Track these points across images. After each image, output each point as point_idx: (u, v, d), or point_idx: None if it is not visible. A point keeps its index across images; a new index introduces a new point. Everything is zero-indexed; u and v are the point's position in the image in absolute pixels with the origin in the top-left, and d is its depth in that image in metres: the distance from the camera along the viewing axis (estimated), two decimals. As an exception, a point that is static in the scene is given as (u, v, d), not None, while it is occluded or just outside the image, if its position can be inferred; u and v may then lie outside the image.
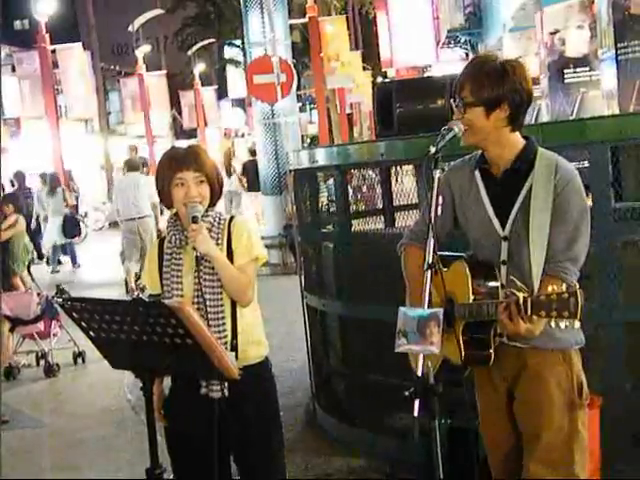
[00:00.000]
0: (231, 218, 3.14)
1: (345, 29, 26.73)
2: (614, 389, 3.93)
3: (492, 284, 2.77)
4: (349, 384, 5.20)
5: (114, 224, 16.63)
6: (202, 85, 39.18)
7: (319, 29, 24.29)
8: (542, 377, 2.82)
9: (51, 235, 15.34)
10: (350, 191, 5.51)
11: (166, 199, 3.10)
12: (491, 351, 2.76)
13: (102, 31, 34.67)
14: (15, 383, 7.59)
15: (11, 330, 7.78)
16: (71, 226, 15.37)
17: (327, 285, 5.33)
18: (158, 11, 35.77)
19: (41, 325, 7.84)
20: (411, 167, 5.53)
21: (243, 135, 46.11)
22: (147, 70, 32.78)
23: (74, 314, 2.59)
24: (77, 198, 19.35)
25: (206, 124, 39.17)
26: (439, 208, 2.67)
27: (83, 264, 16.08)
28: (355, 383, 5.09)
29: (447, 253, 2.89)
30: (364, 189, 6.72)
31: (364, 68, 32.25)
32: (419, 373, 2.53)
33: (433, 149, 2.70)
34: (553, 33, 13.11)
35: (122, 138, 37.03)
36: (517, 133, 2.86)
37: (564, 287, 2.47)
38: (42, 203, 15.81)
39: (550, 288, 2.49)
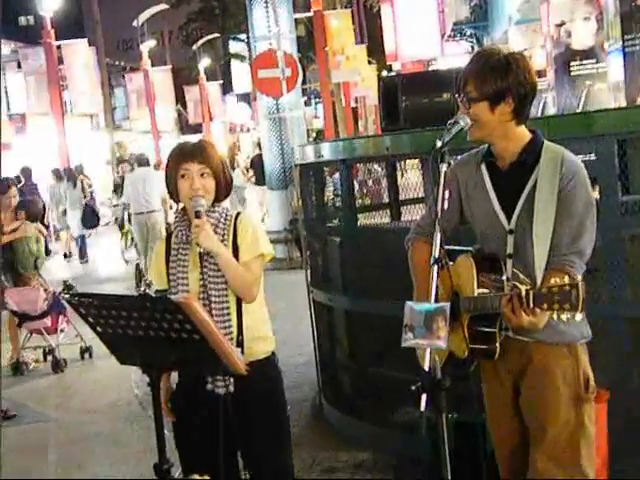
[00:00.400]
0: (237, 214, 3.13)
1: (350, 23, 26.66)
2: (621, 383, 3.92)
3: (498, 277, 2.76)
4: (355, 378, 5.20)
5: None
6: (207, 80, 39.22)
7: (324, 23, 24.23)
8: (548, 371, 2.82)
9: (72, 228, 15.56)
10: (356, 185, 5.50)
11: (174, 192, 3.11)
12: (497, 345, 2.76)
13: (107, 26, 34.66)
14: (22, 378, 7.61)
15: (18, 326, 7.81)
16: (90, 217, 15.58)
17: (333, 280, 5.32)
18: (163, 6, 35.78)
19: (48, 321, 7.86)
20: (417, 161, 5.52)
21: (248, 130, 46.16)
22: (152, 65, 32.83)
23: (81, 310, 2.60)
24: (91, 191, 19.46)
25: (211, 119, 39.20)
26: (446, 202, 2.66)
27: (91, 259, 16.14)
28: (361, 377, 5.09)
29: (454, 247, 2.89)
30: (370, 183, 6.72)
31: (369, 62, 32.19)
32: (426, 368, 2.52)
33: (439, 143, 2.69)
34: (559, 25, 13.07)
35: (128, 133, 37.09)
36: (523, 126, 2.85)
37: (566, 279, 2.46)
38: (57, 197, 16.00)
39: (553, 281, 2.49)
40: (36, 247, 7.93)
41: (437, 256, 2.62)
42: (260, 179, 15.98)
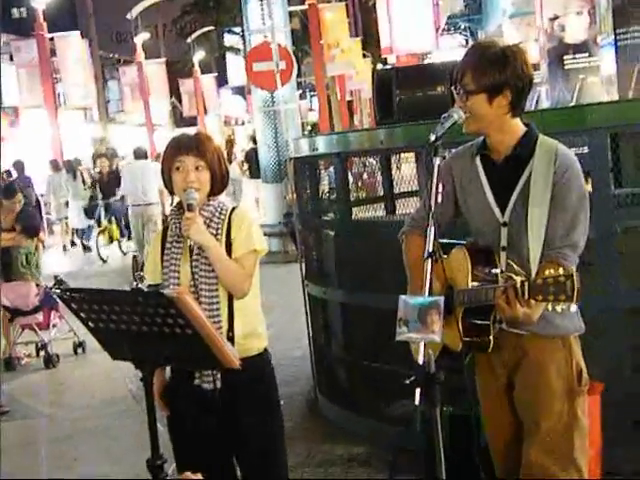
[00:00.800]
0: (233, 209, 3.11)
1: (345, 16, 26.62)
2: (615, 375, 3.93)
3: (492, 270, 2.77)
4: (351, 372, 5.20)
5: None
6: (202, 73, 39.10)
7: (319, 16, 24.20)
8: (541, 364, 2.82)
9: (73, 220, 15.53)
10: (350, 178, 5.50)
11: (169, 184, 3.10)
12: (490, 337, 2.76)
13: (101, 19, 34.50)
14: (15, 374, 7.57)
15: (10, 321, 7.77)
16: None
17: (328, 273, 5.32)
18: (157, -2, 35.65)
19: (40, 316, 7.83)
20: (410, 155, 5.51)
21: (243, 123, 46.09)
22: (146, 58, 32.71)
23: (73, 305, 2.58)
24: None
25: (206, 112, 39.11)
26: (439, 196, 2.66)
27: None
28: (357, 371, 5.09)
29: (448, 241, 2.89)
30: (364, 176, 6.71)
31: (364, 55, 32.13)
32: (420, 361, 2.52)
33: (433, 136, 2.69)
34: (553, 19, 13.07)
35: (121, 126, 36.96)
36: (518, 119, 2.85)
37: (561, 271, 2.46)
38: (55, 188, 15.94)
39: (547, 272, 2.49)
40: (34, 259, 7.93)
41: (431, 250, 2.62)
42: (255, 172, 15.97)
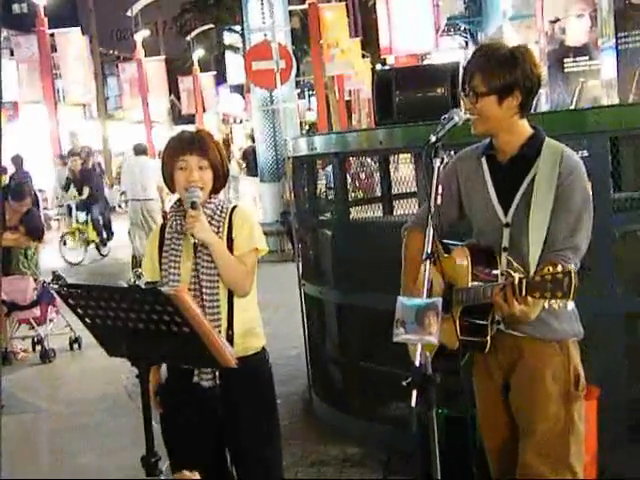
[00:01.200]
0: (234, 207, 3.11)
1: (345, 16, 26.61)
2: (611, 380, 3.92)
3: (492, 271, 2.77)
4: (346, 372, 5.20)
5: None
6: (201, 71, 39.07)
7: (319, 15, 24.19)
8: (538, 368, 2.82)
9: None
10: (348, 179, 5.49)
11: (170, 183, 3.09)
12: (488, 338, 2.76)
13: (101, 16, 34.52)
14: (11, 368, 7.57)
15: (7, 315, 7.76)
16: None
17: (325, 273, 5.31)
18: (157, -4, 35.62)
19: (37, 310, 7.83)
20: (408, 156, 5.51)
21: (241, 121, 46.03)
22: (146, 55, 32.67)
23: (70, 301, 2.57)
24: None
25: (204, 110, 39.07)
26: (439, 197, 2.66)
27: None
28: (352, 371, 5.08)
29: (450, 242, 2.88)
30: (362, 177, 6.70)
31: (363, 55, 32.14)
32: (417, 363, 2.52)
33: (433, 138, 2.69)
34: (553, 22, 13.08)
35: (120, 123, 36.94)
36: (525, 120, 2.85)
37: (559, 268, 2.45)
38: (62, 181, 15.87)
39: (546, 270, 2.48)
40: (35, 258, 7.97)
41: (429, 251, 2.61)
42: (253, 171, 15.95)
